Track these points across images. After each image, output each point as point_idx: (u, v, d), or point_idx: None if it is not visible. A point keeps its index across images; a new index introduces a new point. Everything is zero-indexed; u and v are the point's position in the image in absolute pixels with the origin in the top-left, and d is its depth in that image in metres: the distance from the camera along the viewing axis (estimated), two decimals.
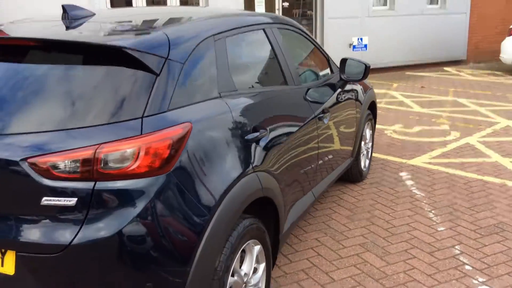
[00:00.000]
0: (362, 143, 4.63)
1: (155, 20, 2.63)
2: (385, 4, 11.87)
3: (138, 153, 1.87)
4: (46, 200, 1.87)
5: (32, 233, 1.90)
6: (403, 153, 5.67)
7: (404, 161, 5.40)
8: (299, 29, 3.62)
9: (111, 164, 1.86)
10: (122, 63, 2.05)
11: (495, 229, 3.76)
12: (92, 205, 1.85)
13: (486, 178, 4.83)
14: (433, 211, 4.10)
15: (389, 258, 3.37)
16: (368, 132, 4.80)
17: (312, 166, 3.29)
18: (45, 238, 1.88)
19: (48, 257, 1.87)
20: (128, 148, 1.87)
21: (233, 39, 2.66)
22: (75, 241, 1.84)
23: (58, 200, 1.86)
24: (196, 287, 2.00)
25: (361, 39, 11.22)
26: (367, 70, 3.73)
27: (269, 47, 3.06)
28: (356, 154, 4.44)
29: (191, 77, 2.22)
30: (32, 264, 1.92)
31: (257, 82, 2.96)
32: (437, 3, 12.54)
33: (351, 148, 4.26)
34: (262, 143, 2.53)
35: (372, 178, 4.90)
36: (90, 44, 2.13)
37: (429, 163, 5.32)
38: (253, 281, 2.50)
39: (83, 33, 2.38)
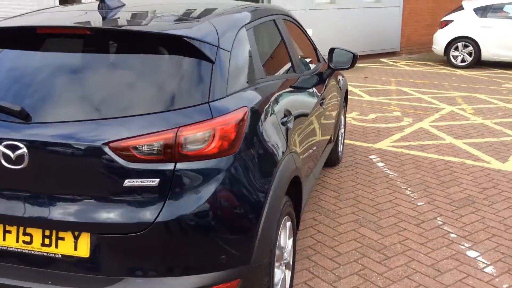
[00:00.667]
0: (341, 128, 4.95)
1: (190, 11, 2.75)
2: None
3: (213, 135, 2.02)
4: (129, 182, 1.97)
5: (112, 215, 1.99)
6: (366, 138, 6.07)
7: (369, 145, 5.79)
8: (295, 20, 3.84)
9: (189, 146, 1.99)
10: (182, 51, 2.17)
11: (467, 202, 4.20)
12: (173, 185, 1.98)
13: (446, 158, 5.31)
14: (409, 189, 4.49)
15: (383, 231, 3.69)
16: (342, 118, 5.12)
17: (315, 148, 3.54)
18: (127, 218, 1.98)
19: (129, 236, 1.98)
20: (205, 131, 2.01)
21: (255, 29, 2.83)
22: (158, 219, 1.96)
23: (141, 181, 1.96)
24: (259, 258, 2.18)
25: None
26: (355, 59, 4.01)
27: (280, 37, 3.26)
28: (335, 139, 4.74)
29: (237, 65, 2.38)
30: (111, 244, 2.01)
31: (276, 70, 3.15)
32: None
33: (333, 133, 4.56)
34: (290, 126, 2.73)
35: (346, 161, 5.24)
36: (152, 33, 2.24)
37: (393, 146, 5.74)
38: (285, 255, 2.70)
39: (133, 23, 2.46)
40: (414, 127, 6.56)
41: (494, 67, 11.67)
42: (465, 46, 11.51)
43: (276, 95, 2.67)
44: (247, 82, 2.45)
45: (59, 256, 2.07)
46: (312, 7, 11.74)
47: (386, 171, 4.93)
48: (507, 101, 8.14)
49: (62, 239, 2.06)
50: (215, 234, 2.05)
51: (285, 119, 2.65)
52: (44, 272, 2.07)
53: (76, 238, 2.05)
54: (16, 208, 2.08)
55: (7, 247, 2.13)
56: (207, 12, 2.68)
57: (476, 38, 11.30)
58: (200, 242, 2.03)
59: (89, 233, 2.03)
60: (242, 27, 2.58)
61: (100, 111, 2.06)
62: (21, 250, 2.11)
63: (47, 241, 2.08)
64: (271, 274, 2.32)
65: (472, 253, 3.37)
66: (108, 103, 2.08)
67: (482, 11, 11.40)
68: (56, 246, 2.07)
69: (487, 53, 11.31)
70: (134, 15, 2.56)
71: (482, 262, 3.26)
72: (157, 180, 1.97)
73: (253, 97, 2.39)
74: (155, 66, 2.16)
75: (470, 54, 11.46)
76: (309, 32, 11.66)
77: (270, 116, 2.49)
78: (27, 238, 2.10)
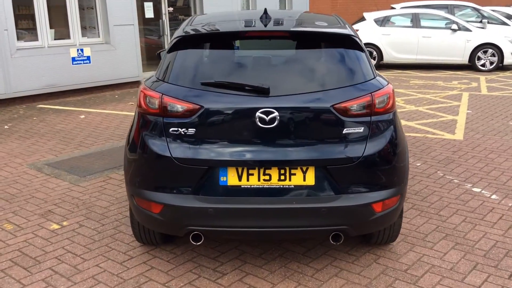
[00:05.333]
0: None
1: (319, 18, 3.73)
2: (247, 7, 13.56)
3: (389, 97, 3.06)
4: (346, 130, 2.94)
5: (333, 153, 2.93)
6: None
7: None
8: None
9: (378, 105, 3.01)
10: (349, 45, 3.18)
11: (448, 160, 5.64)
12: (370, 131, 2.98)
13: (412, 134, 6.78)
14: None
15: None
16: None
17: None
18: (345, 154, 2.94)
19: (346, 166, 2.94)
20: (384, 95, 3.04)
21: None
22: (364, 154, 2.96)
23: (353, 129, 2.95)
24: (406, 180, 3.24)
25: None
26: None
27: None
28: None
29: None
30: (331, 173, 2.94)
31: None
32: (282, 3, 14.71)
33: None
34: None
35: None
36: (332, 33, 3.22)
37: None
38: None
39: (300, 26, 3.40)
40: None
41: (394, 69, 13.79)
42: (370, 53, 13.47)
43: None
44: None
45: (292, 186, 2.96)
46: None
47: None
48: (424, 93, 10.02)
49: (294, 174, 2.96)
50: (393, 163, 3.08)
51: None
52: (283, 198, 2.94)
53: (304, 172, 2.96)
54: (260, 155, 2.93)
55: (251, 185, 2.96)
56: (328, 19, 3.69)
57: (378, 44, 13.30)
58: (386, 168, 3.05)
59: (314, 167, 2.95)
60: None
61: (318, 85, 3.01)
62: (262, 186, 2.96)
63: (282, 177, 2.96)
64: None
65: (475, 188, 4.75)
66: (319, 80, 3.04)
67: (381, 21, 13.47)
68: (290, 180, 2.96)
69: (388, 57, 13.37)
70: (294, 22, 3.51)
71: (486, 192, 4.65)
72: (362, 128, 2.97)
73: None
74: (338, 55, 3.15)
75: (374, 58, 13.44)
76: None
77: None
78: (266, 177, 2.96)
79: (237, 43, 3.26)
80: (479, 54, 12.74)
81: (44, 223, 4.11)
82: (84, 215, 4.25)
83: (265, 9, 3.46)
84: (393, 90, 3.17)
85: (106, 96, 10.17)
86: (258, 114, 2.89)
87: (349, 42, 3.19)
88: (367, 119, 3.00)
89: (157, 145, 3.02)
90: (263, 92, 2.93)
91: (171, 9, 11.73)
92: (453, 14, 14.37)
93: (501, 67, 12.87)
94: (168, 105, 2.99)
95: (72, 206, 4.45)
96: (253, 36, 3.24)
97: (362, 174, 3.00)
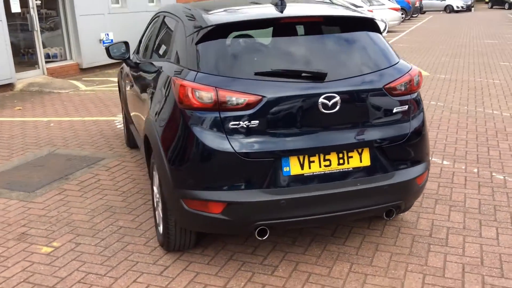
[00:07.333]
0: None
1: (335, 5, 3.76)
2: (117, 2, 12.89)
3: (420, 76, 3.27)
4: (396, 109, 3.08)
5: (387, 132, 3.05)
6: None
7: None
8: None
9: (415, 83, 3.20)
10: (373, 28, 3.31)
11: None
12: (412, 108, 3.16)
13: None
14: None
15: None
16: None
17: None
18: (395, 133, 3.07)
19: (396, 144, 3.08)
20: (417, 74, 3.24)
21: None
22: (410, 130, 3.13)
23: (401, 108, 3.09)
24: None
25: (108, 34, 12.07)
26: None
27: None
28: None
29: None
30: (385, 152, 3.06)
31: None
32: (153, 2, 14.28)
33: None
34: None
35: None
36: (358, 17, 3.30)
37: None
38: None
39: (327, 11, 3.39)
40: None
41: None
42: None
43: None
44: None
45: (351, 169, 3.02)
46: (109, 11, 12.20)
47: None
48: None
49: (351, 157, 3.02)
50: (426, 137, 3.31)
51: None
52: (346, 181, 2.99)
53: (360, 153, 3.04)
54: (322, 141, 2.93)
55: (313, 172, 2.95)
56: (331, 5, 3.77)
57: None
58: (423, 142, 3.27)
59: (368, 148, 3.05)
60: None
61: (363, 68, 3.08)
62: (323, 172, 2.97)
63: (341, 161, 3.00)
64: None
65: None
66: (362, 63, 3.11)
67: None
68: (348, 163, 3.01)
69: None
70: (318, 7, 3.51)
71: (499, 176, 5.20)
72: (406, 106, 3.14)
73: None
74: (370, 38, 3.24)
75: None
76: (111, 35, 12.16)
77: None
78: (327, 163, 2.97)
79: (273, 30, 3.17)
80: None
81: (29, 248, 3.56)
82: (71, 232, 3.77)
83: None
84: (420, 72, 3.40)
85: None
86: (321, 100, 2.88)
87: (374, 26, 3.32)
88: (408, 97, 3.17)
89: (217, 142, 2.84)
90: (319, 77, 2.93)
91: (38, 2, 10.62)
92: None
93: None
94: (226, 99, 2.82)
95: (47, 225, 3.91)
96: (290, 22, 3.18)
97: (409, 150, 3.17)
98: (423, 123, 3.27)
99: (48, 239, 3.68)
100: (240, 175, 2.86)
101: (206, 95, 2.84)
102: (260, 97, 2.84)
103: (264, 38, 3.16)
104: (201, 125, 2.87)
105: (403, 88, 3.13)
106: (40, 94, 9.55)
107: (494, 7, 45.70)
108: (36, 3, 10.50)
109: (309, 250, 3.43)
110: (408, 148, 3.16)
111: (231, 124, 2.84)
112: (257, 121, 2.84)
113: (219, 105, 2.83)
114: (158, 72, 3.53)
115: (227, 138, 2.84)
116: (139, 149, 5.35)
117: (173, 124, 3.01)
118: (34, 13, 10.41)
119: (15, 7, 10.02)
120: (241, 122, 2.83)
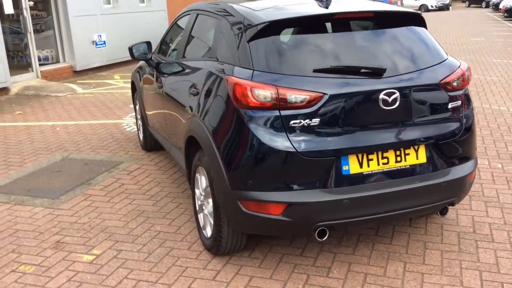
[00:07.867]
0: None
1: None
2: (109, 2, 12.69)
3: (470, 71, 3.26)
4: (450, 104, 3.06)
5: (443, 128, 3.03)
6: None
7: None
8: None
9: (467, 79, 3.19)
10: (420, 23, 3.30)
11: None
12: (464, 104, 3.15)
13: None
14: None
15: None
16: None
17: None
18: (451, 128, 3.06)
19: (451, 140, 3.06)
20: (467, 69, 3.23)
21: None
22: (464, 126, 3.11)
23: (455, 103, 3.08)
24: None
25: (101, 35, 11.88)
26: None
27: None
28: None
29: None
30: (440, 149, 3.04)
31: None
32: (143, 2, 14.10)
33: None
34: None
35: None
36: (405, 12, 3.27)
37: None
38: None
39: (371, 6, 3.35)
40: None
41: None
42: None
43: None
44: None
45: (408, 166, 2.99)
46: (102, 12, 12.00)
47: None
48: None
49: (408, 154, 2.99)
50: (475, 132, 3.30)
51: None
52: (406, 179, 2.95)
53: (416, 151, 3.01)
54: (382, 139, 2.90)
55: (372, 171, 2.92)
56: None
57: None
58: (473, 138, 3.26)
59: (424, 145, 3.02)
60: None
61: (417, 63, 3.05)
62: (381, 170, 2.93)
63: (398, 158, 2.97)
64: None
65: None
66: (415, 59, 3.09)
67: None
68: (405, 160, 2.98)
69: None
70: (353, 4, 3.46)
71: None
72: (459, 101, 3.11)
73: None
74: (420, 34, 3.23)
75: None
76: (104, 36, 11.95)
77: None
78: (385, 160, 2.94)
79: (327, 26, 3.13)
80: None
81: (69, 256, 3.45)
82: (109, 239, 3.67)
83: None
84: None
85: None
86: (381, 96, 2.85)
87: (422, 21, 3.31)
88: (461, 92, 3.16)
89: (277, 141, 2.78)
90: (378, 73, 2.89)
91: (31, 3, 10.38)
92: None
93: None
94: (287, 97, 2.76)
95: (81, 232, 3.79)
96: (343, 18, 3.14)
97: (462, 146, 3.15)
98: (473, 119, 3.27)
99: (87, 247, 3.57)
100: (300, 174, 2.81)
101: (266, 93, 2.78)
102: (322, 94, 2.79)
103: (317, 34, 3.11)
104: (260, 124, 2.81)
105: (456, 83, 3.11)
106: (37, 97, 9.33)
107: (471, 5, 46.45)
108: (29, 4, 10.26)
109: (358, 250, 3.39)
110: (461, 144, 3.15)
111: (292, 123, 2.78)
112: (318, 119, 2.79)
113: (280, 104, 2.78)
114: (201, 71, 3.45)
115: (287, 137, 2.79)
116: (166, 152, 5.26)
117: (228, 124, 2.94)
118: (27, 14, 10.17)
119: (8, 9, 9.77)
120: (301, 121, 2.78)
